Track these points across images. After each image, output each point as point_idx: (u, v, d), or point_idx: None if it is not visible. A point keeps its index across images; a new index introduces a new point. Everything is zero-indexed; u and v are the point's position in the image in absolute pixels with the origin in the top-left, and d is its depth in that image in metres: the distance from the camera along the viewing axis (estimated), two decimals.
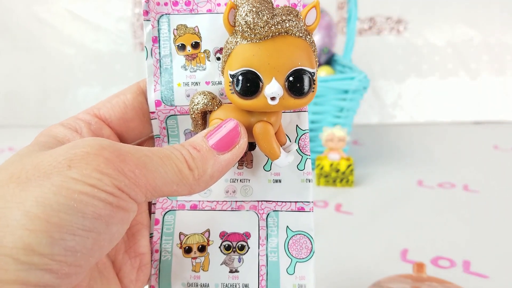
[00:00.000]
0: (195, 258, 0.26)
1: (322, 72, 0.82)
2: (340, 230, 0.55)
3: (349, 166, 0.67)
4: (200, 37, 0.26)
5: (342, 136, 0.67)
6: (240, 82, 0.22)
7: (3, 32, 1.01)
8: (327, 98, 0.70)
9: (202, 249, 0.26)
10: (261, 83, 0.22)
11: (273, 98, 0.22)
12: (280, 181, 0.27)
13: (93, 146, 0.19)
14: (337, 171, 0.67)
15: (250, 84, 0.22)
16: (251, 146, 0.27)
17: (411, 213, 0.59)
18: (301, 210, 0.27)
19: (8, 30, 1.01)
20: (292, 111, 0.26)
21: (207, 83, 0.26)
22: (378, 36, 1.04)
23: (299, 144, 0.27)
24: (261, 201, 0.27)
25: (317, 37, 0.84)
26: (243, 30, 0.22)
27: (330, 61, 0.90)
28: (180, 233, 0.27)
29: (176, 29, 0.26)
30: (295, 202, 0.27)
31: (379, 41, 1.04)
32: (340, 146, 0.67)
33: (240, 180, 0.27)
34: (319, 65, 0.87)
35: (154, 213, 0.27)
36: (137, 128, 0.27)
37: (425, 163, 0.78)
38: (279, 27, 0.22)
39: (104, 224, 0.18)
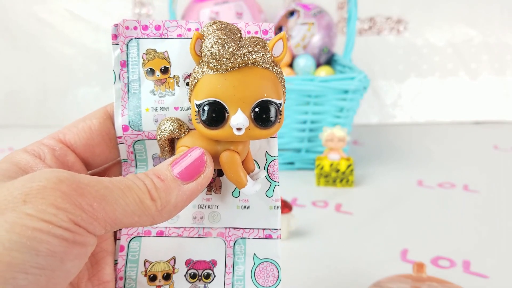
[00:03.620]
0: (159, 286, 0.26)
1: (322, 72, 0.82)
2: (340, 230, 0.55)
3: (349, 166, 0.67)
4: (169, 62, 0.25)
5: (342, 136, 0.67)
6: (206, 112, 0.22)
7: (3, 32, 1.01)
8: (327, 98, 0.70)
9: (167, 277, 0.26)
10: (227, 114, 0.22)
11: (239, 129, 0.22)
12: (248, 207, 0.27)
13: (50, 180, 0.18)
14: (337, 171, 0.67)
15: (215, 115, 0.22)
16: (220, 172, 0.27)
17: (411, 213, 0.59)
18: (269, 237, 0.26)
19: (7, 30, 1.01)
20: None
21: (176, 108, 0.26)
22: (378, 36, 1.04)
23: (268, 170, 0.27)
24: (229, 228, 0.27)
25: (317, 37, 0.84)
26: (209, 61, 0.22)
27: (330, 61, 0.90)
28: (145, 261, 0.26)
29: (145, 54, 0.25)
30: (262, 229, 0.26)
31: (379, 41, 1.04)
32: (340, 146, 0.67)
33: (208, 206, 0.27)
34: (319, 65, 0.87)
35: (119, 239, 0.27)
36: (103, 153, 0.26)
37: (425, 163, 0.78)
38: (245, 58, 0.22)
39: (58, 261, 0.18)
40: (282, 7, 0.99)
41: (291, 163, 0.76)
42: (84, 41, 1.02)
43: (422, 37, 1.04)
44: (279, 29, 0.85)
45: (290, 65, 0.85)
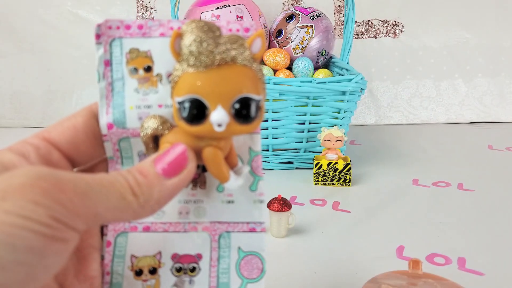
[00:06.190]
0: (145, 280, 0.26)
1: (320, 75, 0.83)
2: (337, 228, 0.56)
3: (346, 165, 0.68)
4: (152, 61, 0.26)
5: (339, 136, 0.68)
6: (186, 109, 0.23)
7: (9, 34, 1.01)
8: (325, 99, 0.71)
9: (153, 271, 0.26)
10: (207, 111, 0.22)
11: (219, 125, 0.22)
12: (232, 202, 0.27)
13: (29, 176, 0.18)
14: (335, 170, 0.68)
15: (196, 111, 0.22)
16: (204, 168, 0.27)
17: (406, 211, 0.60)
18: (253, 230, 0.27)
19: (13, 33, 1.01)
20: None
21: (160, 106, 0.26)
22: (375, 39, 1.06)
23: (252, 165, 0.27)
24: (214, 222, 0.27)
25: (315, 40, 0.85)
26: (188, 58, 0.23)
27: (328, 63, 0.91)
28: (132, 256, 0.26)
29: (129, 53, 0.26)
30: (247, 223, 0.27)
31: (375, 44, 1.05)
32: (338, 146, 0.68)
33: (194, 201, 0.27)
34: (318, 68, 0.88)
35: (106, 235, 0.27)
36: (88, 150, 0.26)
37: (420, 162, 0.79)
38: (224, 55, 0.22)
39: (37, 256, 0.17)
40: (281, 11, 1.01)
41: (290, 163, 0.77)
42: (89, 43, 1.02)
43: (417, 39, 1.05)
44: (278, 32, 0.87)
45: (289, 68, 0.86)
